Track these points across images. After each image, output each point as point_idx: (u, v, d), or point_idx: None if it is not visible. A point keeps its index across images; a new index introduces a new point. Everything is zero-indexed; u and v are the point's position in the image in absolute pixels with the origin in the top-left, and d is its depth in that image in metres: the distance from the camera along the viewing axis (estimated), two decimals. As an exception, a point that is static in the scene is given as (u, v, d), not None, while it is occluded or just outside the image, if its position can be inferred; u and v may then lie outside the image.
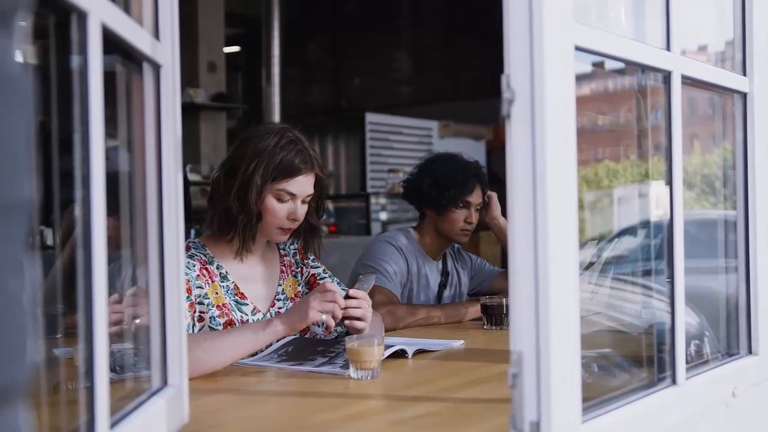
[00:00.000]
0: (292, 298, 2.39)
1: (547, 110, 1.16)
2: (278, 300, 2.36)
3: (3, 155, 0.55)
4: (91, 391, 0.99)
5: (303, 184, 2.25)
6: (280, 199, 2.24)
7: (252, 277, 2.33)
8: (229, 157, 2.27)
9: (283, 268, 2.42)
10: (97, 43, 1.01)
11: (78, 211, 0.99)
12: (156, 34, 1.35)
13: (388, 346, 2.06)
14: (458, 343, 2.38)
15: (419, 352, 2.21)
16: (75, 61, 1.00)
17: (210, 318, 2.17)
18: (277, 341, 2.19)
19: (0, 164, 0.55)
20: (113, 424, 1.07)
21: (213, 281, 2.22)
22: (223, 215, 2.24)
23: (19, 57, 0.59)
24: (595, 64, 1.47)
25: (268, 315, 2.30)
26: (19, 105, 0.57)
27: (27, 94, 0.58)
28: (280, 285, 2.39)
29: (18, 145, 0.57)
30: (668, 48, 1.53)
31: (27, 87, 0.59)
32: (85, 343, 0.99)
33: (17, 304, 0.57)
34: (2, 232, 0.56)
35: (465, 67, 9.78)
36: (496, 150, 8.62)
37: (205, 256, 2.25)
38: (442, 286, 3.15)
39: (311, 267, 2.47)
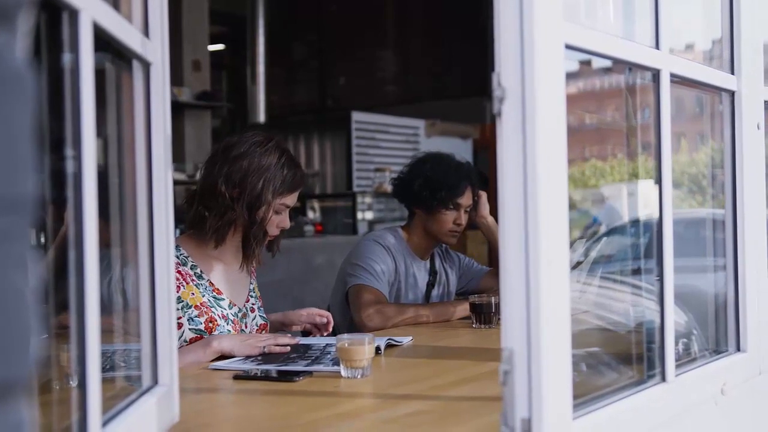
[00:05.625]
0: (259, 297, 2.50)
1: (538, 108, 1.16)
2: (251, 296, 2.46)
3: (7, 151, 0.56)
4: (83, 389, 0.98)
5: (296, 196, 2.38)
6: (277, 212, 2.32)
7: (226, 276, 2.39)
8: (228, 171, 2.27)
9: (252, 269, 2.51)
10: (88, 40, 1.00)
11: (69, 210, 0.99)
12: (146, 31, 1.34)
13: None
14: (407, 339, 2.40)
15: (389, 346, 2.27)
16: (66, 58, 1.00)
17: (188, 319, 2.20)
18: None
19: (5, 160, 0.56)
20: (104, 423, 1.07)
21: (188, 282, 2.24)
22: (226, 226, 2.28)
23: (21, 54, 0.59)
24: (581, 62, 1.47)
25: (244, 309, 2.39)
26: (23, 102, 0.58)
27: (30, 91, 0.59)
28: (252, 283, 2.48)
29: (22, 142, 0.57)
30: (657, 46, 1.53)
31: (30, 84, 0.59)
32: (77, 342, 0.98)
33: (23, 300, 0.58)
34: (7, 227, 0.56)
35: (451, 66, 9.81)
36: (483, 149, 8.64)
37: (178, 257, 2.27)
38: (431, 285, 3.14)
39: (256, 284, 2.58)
